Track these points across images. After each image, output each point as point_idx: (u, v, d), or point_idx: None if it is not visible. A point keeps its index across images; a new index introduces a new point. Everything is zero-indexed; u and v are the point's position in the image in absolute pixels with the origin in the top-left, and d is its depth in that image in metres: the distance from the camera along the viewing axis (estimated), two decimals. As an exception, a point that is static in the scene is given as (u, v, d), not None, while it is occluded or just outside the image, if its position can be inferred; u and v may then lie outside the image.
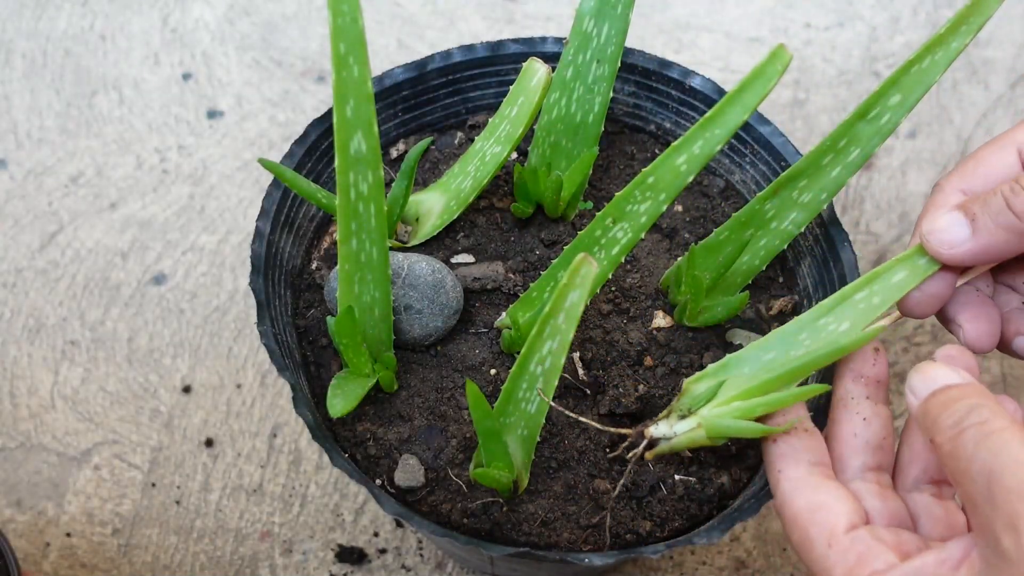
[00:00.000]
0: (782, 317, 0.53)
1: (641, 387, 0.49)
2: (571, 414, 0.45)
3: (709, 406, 0.45)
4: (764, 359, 0.45)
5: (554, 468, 0.48)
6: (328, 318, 0.48)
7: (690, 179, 0.44)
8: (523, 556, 0.44)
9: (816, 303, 0.53)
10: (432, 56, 0.56)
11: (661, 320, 0.52)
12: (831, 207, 0.52)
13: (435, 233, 0.54)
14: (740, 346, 0.52)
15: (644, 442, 0.45)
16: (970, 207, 0.43)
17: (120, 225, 0.75)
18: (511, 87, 0.54)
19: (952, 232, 0.43)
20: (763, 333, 0.53)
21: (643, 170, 0.45)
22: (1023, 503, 0.33)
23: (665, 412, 0.46)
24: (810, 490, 0.41)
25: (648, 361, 0.51)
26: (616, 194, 0.46)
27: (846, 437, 0.43)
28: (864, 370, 0.44)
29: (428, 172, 0.57)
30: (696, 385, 0.46)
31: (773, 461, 0.43)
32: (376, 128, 0.43)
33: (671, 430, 0.45)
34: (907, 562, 0.38)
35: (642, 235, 0.47)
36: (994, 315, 0.46)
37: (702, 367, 0.50)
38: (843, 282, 0.50)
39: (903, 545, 0.39)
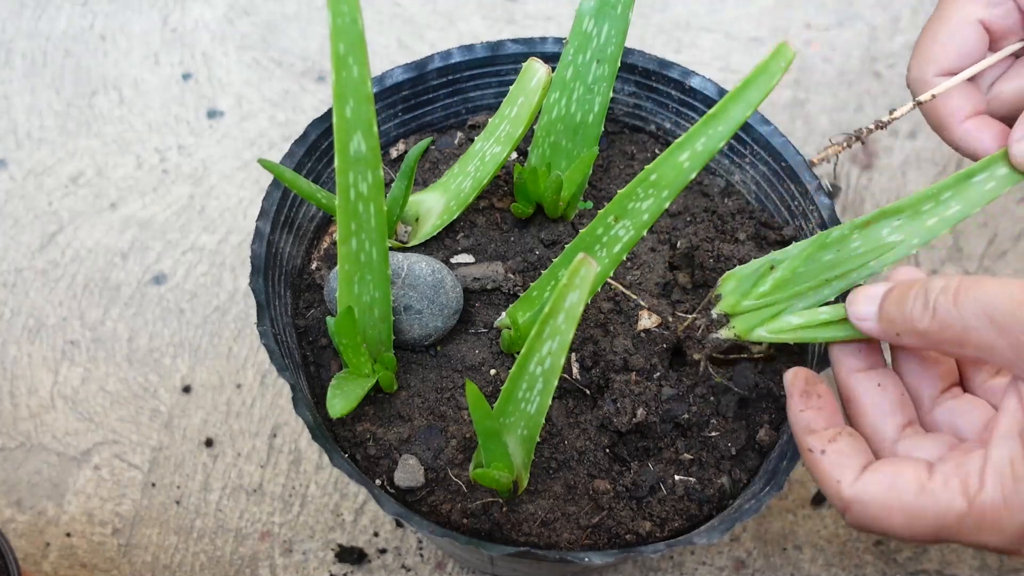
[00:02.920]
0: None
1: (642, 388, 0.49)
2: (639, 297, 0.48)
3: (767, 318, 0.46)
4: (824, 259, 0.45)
5: (554, 468, 0.48)
6: (328, 318, 0.48)
7: (693, 176, 0.44)
8: (523, 556, 0.44)
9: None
10: (432, 56, 0.56)
11: (647, 320, 0.52)
12: (832, 208, 0.52)
13: (435, 233, 0.54)
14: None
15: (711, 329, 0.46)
16: None
17: (120, 225, 0.75)
18: (511, 87, 0.54)
19: None
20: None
21: (645, 167, 0.45)
22: None
23: (703, 315, 0.47)
24: (874, 477, 0.41)
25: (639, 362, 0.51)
26: (618, 192, 0.46)
27: (870, 409, 0.44)
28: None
29: (428, 172, 0.57)
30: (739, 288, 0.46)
31: (827, 470, 0.42)
32: (376, 128, 0.43)
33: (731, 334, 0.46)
34: (996, 428, 0.39)
35: (644, 233, 0.47)
36: None
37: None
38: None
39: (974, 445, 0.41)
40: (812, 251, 0.45)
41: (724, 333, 0.46)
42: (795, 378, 0.45)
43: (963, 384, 0.46)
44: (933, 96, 0.49)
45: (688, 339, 0.48)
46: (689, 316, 0.48)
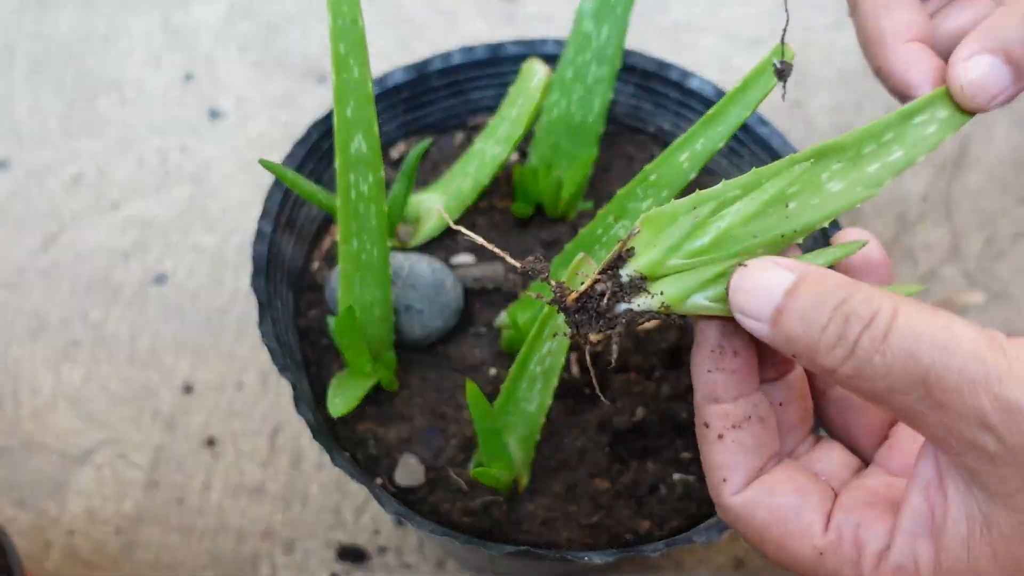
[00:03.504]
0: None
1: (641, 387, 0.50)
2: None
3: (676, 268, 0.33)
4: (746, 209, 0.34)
5: (554, 467, 0.49)
6: (329, 318, 0.48)
7: (692, 176, 0.45)
8: (523, 555, 0.44)
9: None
10: (432, 57, 0.57)
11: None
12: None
13: (436, 234, 0.54)
14: None
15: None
16: (1010, 51, 0.36)
17: (122, 225, 0.75)
18: (511, 88, 0.54)
19: (995, 82, 0.37)
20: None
21: (645, 168, 0.46)
22: (985, 396, 0.28)
23: (610, 260, 0.34)
24: (767, 500, 0.34)
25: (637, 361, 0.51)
26: (618, 192, 0.47)
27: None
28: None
29: (428, 173, 0.57)
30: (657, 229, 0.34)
31: (717, 464, 0.35)
32: (376, 129, 0.43)
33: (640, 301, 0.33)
34: (899, 520, 0.32)
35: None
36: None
37: None
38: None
39: (878, 494, 0.34)
40: (773, 197, 0.34)
41: (644, 302, 0.33)
42: (707, 327, 0.34)
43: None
44: None
45: (582, 311, 0.33)
46: (585, 278, 0.34)
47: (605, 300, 0.33)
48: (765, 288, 0.31)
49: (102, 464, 0.65)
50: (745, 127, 0.55)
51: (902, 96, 0.40)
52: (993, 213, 0.76)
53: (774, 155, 0.54)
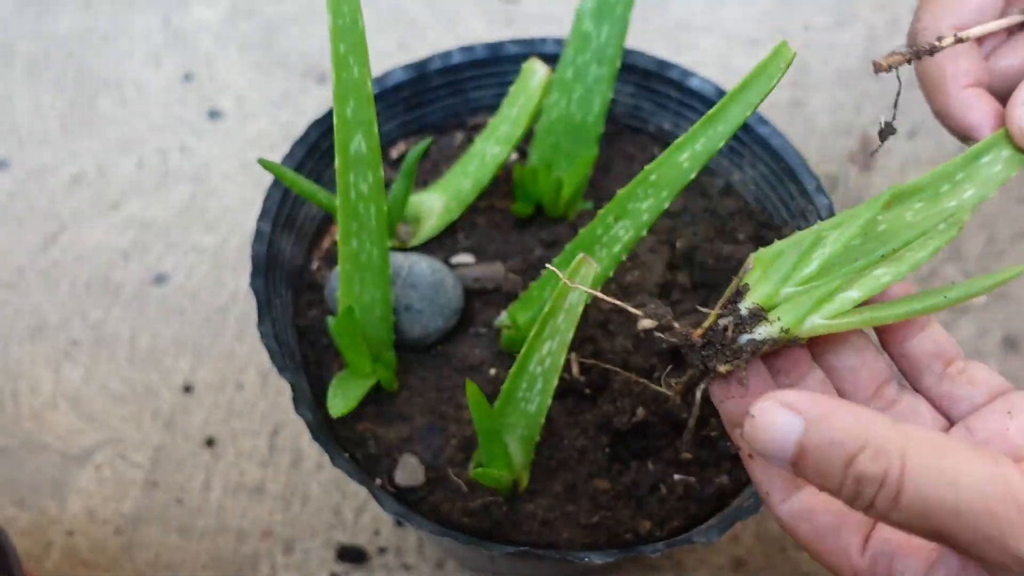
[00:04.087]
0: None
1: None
2: (612, 300, 0.38)
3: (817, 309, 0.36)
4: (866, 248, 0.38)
5: (554, 468, 0.49)
6: (328, 318, 0.48)
7: (692, 176, 0.44)
8: (523, 555, 0.44)
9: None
10: (432, 57, 0.57)
11: (647, 320, 0.52)
12: (831, 207, 0.52)
13: (435, 234, 0.54)
14: None
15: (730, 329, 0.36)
16: None
17: (122, 225, 0.75)
18: (511, 88, 0.54)
19: None
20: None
21: (645, 168, 0.46)
22: (999, 552, 0.29)
23: (731, 295, 0.37)
24: (807, 515, 0.36)
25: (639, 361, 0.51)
26: (618, 192, 0.46)
27: None
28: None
29: (428, 172, 0.57)
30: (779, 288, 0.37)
31: (758, 481, 0.37)
32: (376, 129, 0.43)
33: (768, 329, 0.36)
34: (934, 571, 0.33)
35: (643, 233, 0.47)
36: None
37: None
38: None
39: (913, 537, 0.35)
40: (867, 222, 0.37)
41: (766, 331, 0.36)
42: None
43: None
44: (960, 39, 0.42)
45: (708, 346, 0.37)
46: (710, 312, 0.37)
47: (729, 333, 0.36)
48: (777, 441, 0.31)
49: (102, 464, 0.65)
50: (745, 127, 0.55)
51: (963, 137, 0.43)
52: (993, 213, 0.76)
53: (774, 155, 0.54)
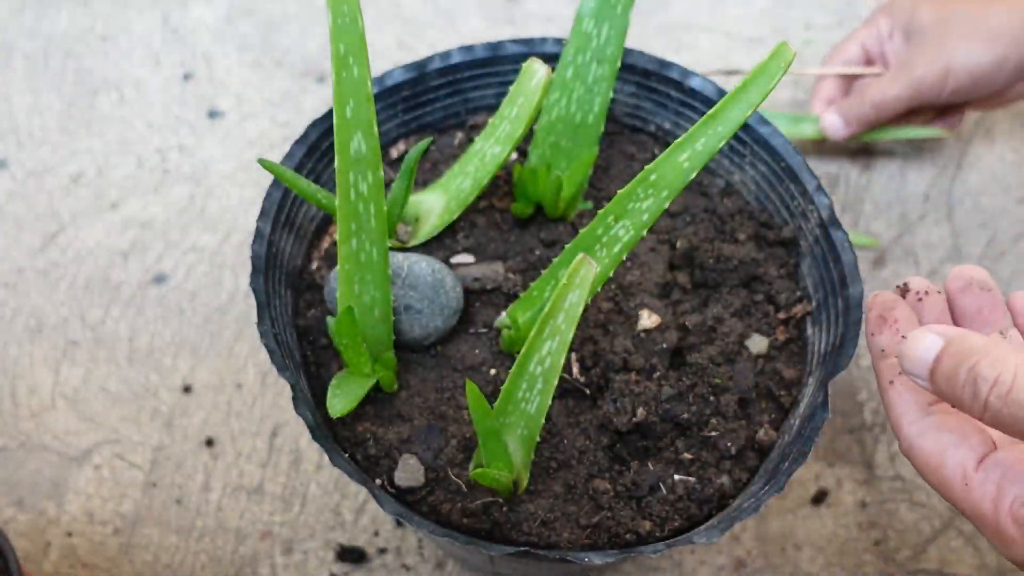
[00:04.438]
0: (796, 321, 0.53)
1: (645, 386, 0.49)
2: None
3: None
4: None
5: (554, 468, 0.49)
6: (328, 318, 0.48)
7: (693, 176, 0.44)
8: (523, 556, 0.44)
9: (817, 305, 0.53)
10: (432, 57, 0.56)
11: (647, 320, 0.52)
12: (831, 207, 0.52)
13: (435, 233, 0.54)
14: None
15: None
16: (846, 110, 0.73)
17: (121, 225, 0.75)
18: (511, 87, 0.54)
19: (836, 125, 0.73)
20: (771, 335, 0.53)
21: (645, 167, 0.45)
22: None
23: None
24: (934, 432, 0.41)
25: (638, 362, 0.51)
26: (618, 192, 0.46)
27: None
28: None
29: (428, 172, 0.57)
30: None
31: (893, 404, 0.43)
32: (376, 128, 0.43)
33: None
34: None
35: (644, 233, 0.47)
36: None
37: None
38: (843, 282, 0.50)
39: None
40: None
41: None
42: (873, 302, 0.46)
43: None
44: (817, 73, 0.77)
45: None
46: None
47: None
48: (921, 357, 0.39)
49: (101, 464, 0.65)
50: (746, 127, 0.55)
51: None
52: (994, 213, 0.76)
53: (775, 154, 0.54)
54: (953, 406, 0.39)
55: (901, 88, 0.70)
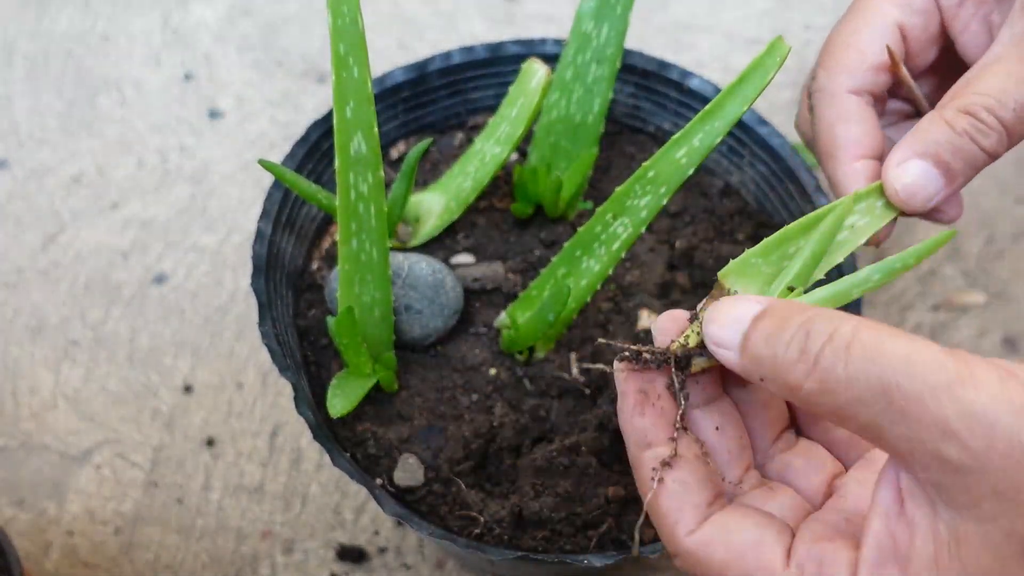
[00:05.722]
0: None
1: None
2: (611, 342, 0.38)
3: None
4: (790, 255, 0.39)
5: (554, 468, 0.49)
6: (328, 318, 0.48)
7: (690, 172, 0.44)
8: (523, 558, 0.44)
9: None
10: (432, 57, 0.57)
11: (647, 320, 0.52)
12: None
13: (435, 234, 0.54)
14: None
15: (673, 360, 0.36)
16: (940, 156, 0.39)
17: (121, 225, 0.75)
18: (511, 88, 0.54)
19: (928, 186, 0.40)
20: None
21: (643, 164, 0.45)
22: (947, 402, 0.28)
23: (697, 323, 0.37)
24: (723, 536, 0.33)
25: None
26: (616, 189, 0.46)
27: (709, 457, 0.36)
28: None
29: (428, 173, 0.57)
30: (727, 283, 0.38)
31: (663, 510, 0.34)
32: (376, 129, 0.43)
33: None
34: (862, 551, 0.31)
35: (642, 230, 0.47)
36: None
37: None
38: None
39: (837, 529, 0.34)
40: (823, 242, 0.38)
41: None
42: (628, 375, 0.36)
43: (797, 424, 0.39)
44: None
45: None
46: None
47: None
48: (735, 317, 0.32)
49: (101, 464, 0.65)
50: (745, 127, 0.55)
51: None
52: (993, 213, 0.76)
53: (774, 155, 0.54)
54: (760, 380, 0.32)
55: None
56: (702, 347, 0.35)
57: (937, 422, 0.28)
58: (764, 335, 0.31)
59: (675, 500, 0.34)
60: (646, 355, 0.36)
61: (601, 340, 0.39)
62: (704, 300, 0.37)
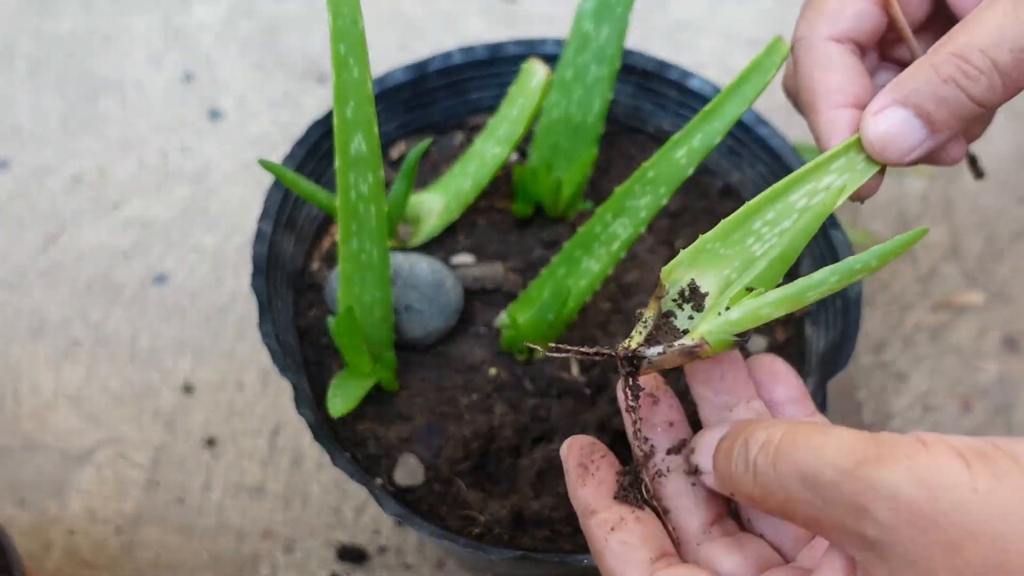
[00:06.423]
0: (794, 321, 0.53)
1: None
2: (558, 351, 0.38)
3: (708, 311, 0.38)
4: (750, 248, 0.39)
5: (555, 468, 0.49)
6: (329, 318, 0.48)
7: (690, 172, 0.44)
8: (523, 558, 0.44)
9: (816, 304, 0.53)
10: (432, 57, 0.57)
11: None
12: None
13: (435, 234, 0.54)
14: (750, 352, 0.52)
15: (625, 366, 0.38)
16: (921, 104, 0.36)
17: (122, 225, 0.75)
18: (511, 88, 0.54)
19: (907, 136, 0.37)
20: (770, 335, 0.53)
21: (643, 164, 0.46)
22: (857, 482, 0.29)
23: (645, 319, 0.39)
24: None
25: None
26: (616, 189, 0.46)
27: (674, 507, 0.38)
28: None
29: (428, 173, 0.57)
30: (676, 276, 0.39)
31: (615, 570, 0.36)
32: (376, 129, 0.43)
33: (658, 348, 0.38)
34: None
35: (642, 230, 0.47)
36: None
37: None
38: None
39: None
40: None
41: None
42: (569, 450, 0.40)
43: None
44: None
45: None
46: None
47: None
48: (708, 443, 0.37)
49: (102, 464, 0.65)
50: (745, 127, 0.55)
51: None
52: (992, 212, 0.76)
53: (774, 155, 0.55)
54: (731, 495, 0.34)
55: None
56: (647, 343, 0.38)
57: (851, 503, 0.29)
58: (722, 455, 0.34)
59: (618, 560, 0.36)
60: (595, 358, 0.38)
61: (551, 345, 0.39)
62: (649, 303, 0.39)
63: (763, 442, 0.32)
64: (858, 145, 0.39)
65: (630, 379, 0.38)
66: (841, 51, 0.40)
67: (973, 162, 0.43)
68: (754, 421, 0.34)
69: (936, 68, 0.36)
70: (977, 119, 0.40)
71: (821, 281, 0.36)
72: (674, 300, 0.38)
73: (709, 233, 0.39)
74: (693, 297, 0.38)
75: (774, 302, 0.37)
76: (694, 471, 0.38)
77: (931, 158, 0.40)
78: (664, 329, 0.38)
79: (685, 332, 0.38)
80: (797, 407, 0.41)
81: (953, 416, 0.67)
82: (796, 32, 0.41)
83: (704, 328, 0.38)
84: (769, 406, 0.41)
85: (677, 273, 0.39)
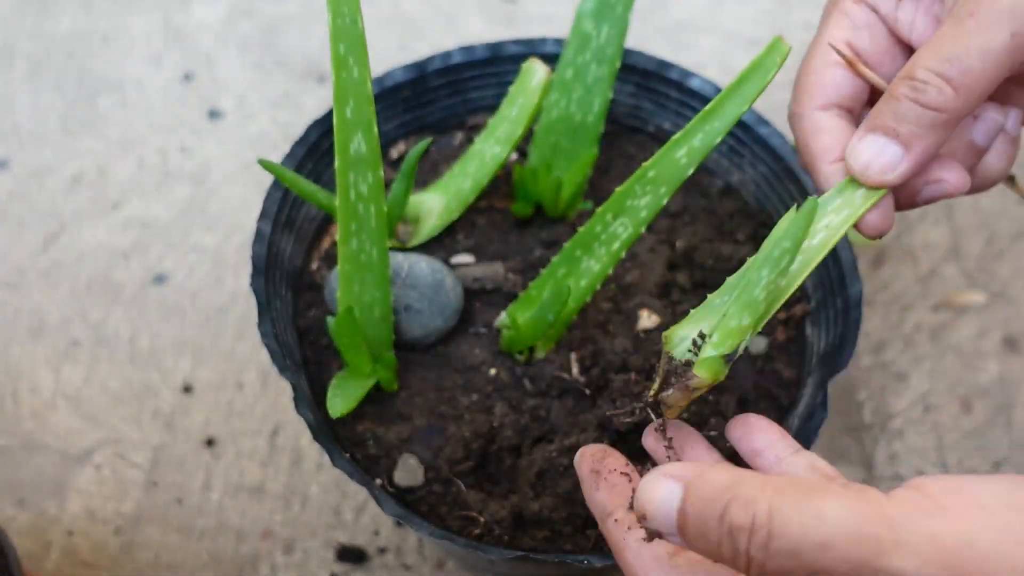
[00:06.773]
0: (795, 321, 0.53)
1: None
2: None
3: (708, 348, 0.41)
4: (752, 293, 0.40)
5: (555, 468, 0.49)
6: (328, 318, 0.48)
7: (690, 172, 0.44)
8: (523, 558, 0.44)
9: (817, 305, 0.53)
10: (432, 57, 0.57)
11: (646, 320, 0.52)
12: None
13: (435, 234, 0.54)
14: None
15: (650, 412, 0.41)
16: (886, 124, 0.40)
17: (122, 225, 0.75)
18: (511, 88, 0.54)
19: (882, 155, 0.40)
20: (770, 335, 0.53)
21: (644, 164, 0.45)
22: (874, 572, 0.29)
23: (660, 370, 0.42)
24: None
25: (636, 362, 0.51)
26: (616, 189, 0.46)
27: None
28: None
29: (428, 173, 0.57)
30: (681, 331, 0.42)
31: (633, 568, 0.37)
32: (376, 129, 0.43)
33: (667, 390, 0.41)
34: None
35: (642, 230, 0.47)
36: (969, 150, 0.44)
37: None
38: (842, 282, 0.51)
39: None
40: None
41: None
42: (582, 459, 0.42)
43: None
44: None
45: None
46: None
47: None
48: (662, 511, 0.32)
49: (102, 464, 0.65)
50: (745, 127, 0.55)
51: None
52: (993, 213, 0.76)
53: (774, 155, 0.54)
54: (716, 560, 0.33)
55: (991, 31, 0.38)
56: (664, 386, 0.41)
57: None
58: (696, 533, 0.31)
59: (637, 556, 0.37)
60: (636, 410, 0.42)
61: (609, 412, 0.45)
62: (658, 370, 0.42)
63: (749, 528, 0.30)
64: (853, 184, 0.42)
65: (660, 420, 0.42)
66: (828, 116, 0.44)
67: (1012, 180, 0.46)
68: (720, 485, 0.31)
69: (891, 91, 0.40)
70: (961, 134, 0.44)
71: (758, 279, 0.39)
72: (689, 350, 0.41)
73: (717, 292, 0.42)
74: (696, 343, 0.41)
75: (736, 311, 0.40)
76: (653, 537, 0.34)
77: (935, 191, 0.43)
78: (673, 374, 0.42)
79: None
80: (780, 447, 0.41)
81: (953, 416, 0.67)
82: (789, 110, 0.46)
83: (697, 360, 0.41)
84: (752, 456, 0.41)
85: (687, 329, 0.42)
